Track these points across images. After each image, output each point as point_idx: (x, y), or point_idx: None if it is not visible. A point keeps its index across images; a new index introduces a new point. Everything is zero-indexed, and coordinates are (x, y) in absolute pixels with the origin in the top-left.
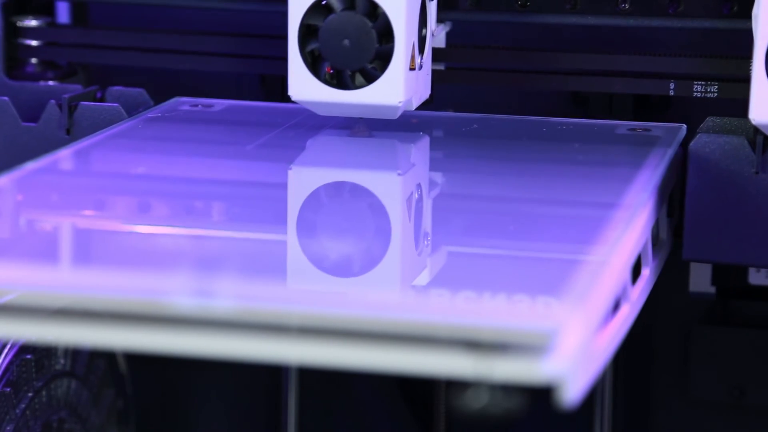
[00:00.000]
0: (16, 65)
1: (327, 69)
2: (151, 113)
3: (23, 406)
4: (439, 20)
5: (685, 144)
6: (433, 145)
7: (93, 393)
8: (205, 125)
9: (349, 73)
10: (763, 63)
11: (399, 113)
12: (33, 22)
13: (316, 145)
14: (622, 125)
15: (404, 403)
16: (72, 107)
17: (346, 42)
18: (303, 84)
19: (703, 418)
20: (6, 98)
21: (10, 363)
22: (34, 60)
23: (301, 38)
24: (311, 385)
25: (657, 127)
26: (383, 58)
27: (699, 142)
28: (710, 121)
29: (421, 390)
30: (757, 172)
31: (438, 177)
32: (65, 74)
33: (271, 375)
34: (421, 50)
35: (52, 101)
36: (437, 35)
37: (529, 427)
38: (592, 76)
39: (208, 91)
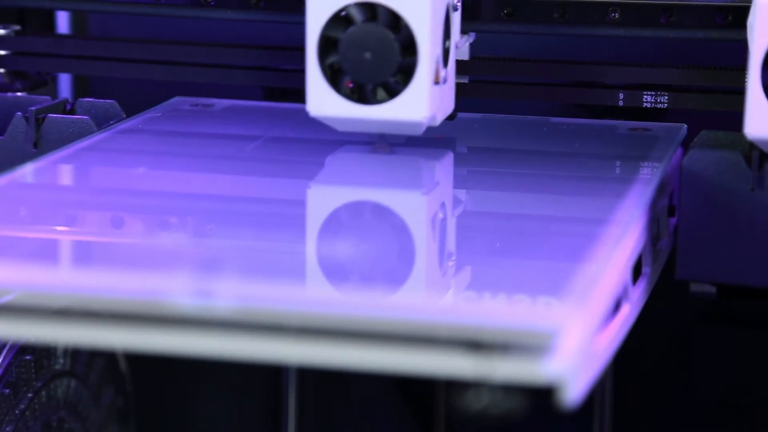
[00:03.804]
0: None
1: (347, 83)
2: (152, 113)
3: (23, 406)
4: (463, 31)
5: (685, 144)
6: (437, 154)
7: (93, 392)
8: (206, 125)
9: (371, 87)
10: (758, 75)
11: (423, 129)
12: (0, 31)
13: (330, 160)
14: (623, 125)
15: (404, 403)
16: (39, 120)
17: (368, 55)
18: (322, 98)
19: (703, 418)
20: None
21: (10, 364)
22: (1, 70)
23: (320, 51)
24: (311, 385)
25: (657, 127)
26: (406, 72)
27: (692, 157)
28: (704, 135)
29: (421, 390)
30: (752, 189)
31: (446, 192)
32: (34, 84)
33: (271, 375)
34: (445, 63)
35: (18, 114)
36: (461, 47)
37: (529, 427)
38: (616, 89)
39: (208, 91)
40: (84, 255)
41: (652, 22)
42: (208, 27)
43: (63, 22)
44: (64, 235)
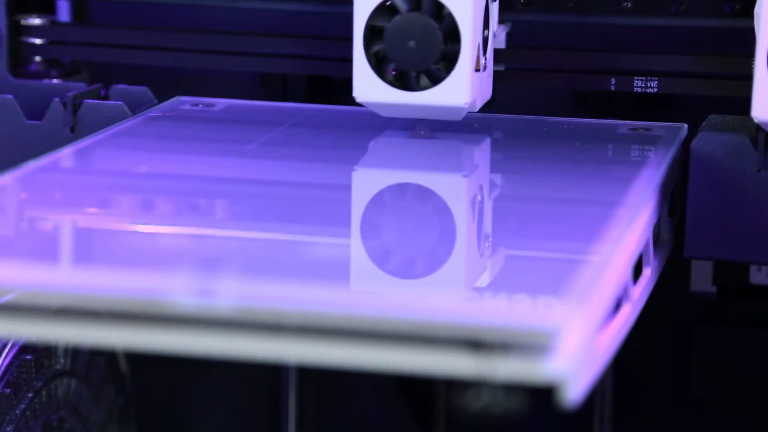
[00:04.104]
0: (20, 63)
1: (391, 70)
2: (153, 112)
3: (23, 406)
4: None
5: (686, 143)
6: (437, 147)
7: (93, 391)
8: (206, 124)
9: (414, 74)
10: (765, 61)
11: (464, 114)
12: (36, 21)
13: (371, 146)
14: (623, 125)
15: (404, 403)
16: (76, 105)
17: (412, 43)
18: (368, 85)
19: (703, 418)
20: (10, 96)
21: (10, 364)
22: (38, 58)
23: (366, 39)
24: (311, 385)
25: (658, 126)
26: (449, 59)
27: (701, 140)
28: (712, 119)
29: (421, 390)
30: (759, 170)
31: (433, 177)
32: (69, 72)
33: (271, 375)
34: (485, 51)
35: (56, 99)
36: (498, 36)
37: (529, 427)
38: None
39: (209, 90)
40: (85, 252)
41: (663, 11)
42: (221, 15)
43: (64, 11)
44: (74, 226)
